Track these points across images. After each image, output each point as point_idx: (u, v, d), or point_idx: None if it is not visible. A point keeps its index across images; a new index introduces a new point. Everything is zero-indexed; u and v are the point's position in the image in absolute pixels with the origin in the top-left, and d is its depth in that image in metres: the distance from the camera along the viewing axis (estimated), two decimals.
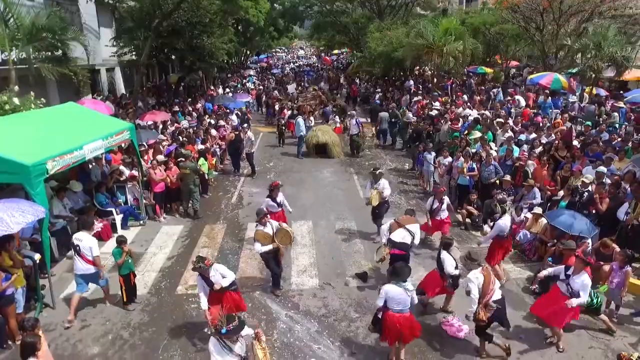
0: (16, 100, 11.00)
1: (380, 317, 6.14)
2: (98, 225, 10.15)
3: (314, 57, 72.88)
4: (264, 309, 7.66)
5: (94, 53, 18.02)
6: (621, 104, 15.77)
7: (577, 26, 21.90)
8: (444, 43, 19.98)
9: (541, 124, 13.37)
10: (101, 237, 10.11)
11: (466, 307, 7.45)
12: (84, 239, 7.31)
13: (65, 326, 7.19)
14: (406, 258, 7.43)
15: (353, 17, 35.44)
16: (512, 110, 16.64)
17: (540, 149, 11.55)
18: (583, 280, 6.20)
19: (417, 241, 7.80)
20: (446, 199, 9.35)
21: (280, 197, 9.19)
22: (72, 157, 8.00)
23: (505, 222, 7.91)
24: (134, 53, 22.15)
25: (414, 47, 21.10)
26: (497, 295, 6.17)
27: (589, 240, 8.29)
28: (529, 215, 9.74)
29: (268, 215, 7.82)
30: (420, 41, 20.46)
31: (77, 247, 7.27)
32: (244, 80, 35.17)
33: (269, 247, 7.54)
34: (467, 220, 10.64)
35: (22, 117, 9.12)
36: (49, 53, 13.62)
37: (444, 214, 9.27)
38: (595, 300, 6.95)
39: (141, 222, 10.96)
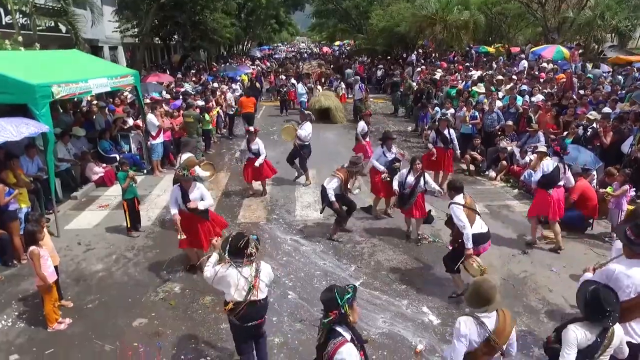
0: (22, 49, 11.07)
1: None
2: (101, 170, 10.23)
3: (315, 48, 72.79)
4: (268, 234, 7.68)
5: (96, 29, 18.06)
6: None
7: None
8: (447, 13, 19.91)
9: (543, 79, 13.32)
10: (104, 183, 10.21)
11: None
12: None
13: None
14: None
15: (355, 1, 35.36)
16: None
17: (539, 96, 11.53)
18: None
19: None
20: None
21: (256, 146, 9.18)
22: (77, 87, 7.99)
23: None
24: (136, 29, 22.19)
25: (416, 19, 21.02)
26: (332, 183, 7.10)
27: (594, 172, 8.29)
28: (534, 157, 9.72)
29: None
30: (423, 12, 20.38)
31: None
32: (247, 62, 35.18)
33: (207, 173, 8.01)
34: (471, 166, 10.62)
35: (28, 53, 9.18)
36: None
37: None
38: None
39: (144, 171, 10.96)
